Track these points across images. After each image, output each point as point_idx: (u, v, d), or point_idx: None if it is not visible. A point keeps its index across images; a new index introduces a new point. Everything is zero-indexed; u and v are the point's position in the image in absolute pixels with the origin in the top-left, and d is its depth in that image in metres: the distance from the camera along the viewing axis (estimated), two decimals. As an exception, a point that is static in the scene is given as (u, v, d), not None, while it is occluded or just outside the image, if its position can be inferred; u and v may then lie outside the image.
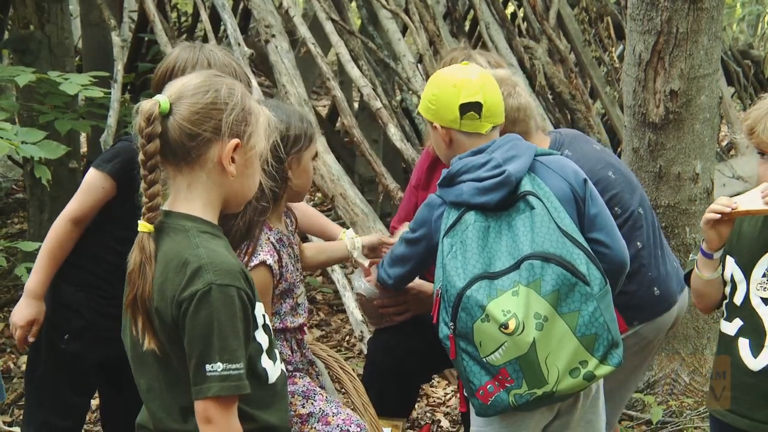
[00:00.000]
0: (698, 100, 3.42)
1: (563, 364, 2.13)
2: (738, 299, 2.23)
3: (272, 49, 4.54)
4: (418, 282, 2.70)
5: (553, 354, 2.13)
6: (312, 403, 2.38)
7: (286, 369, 2.34)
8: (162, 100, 1.79)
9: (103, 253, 2.59)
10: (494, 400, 2.15)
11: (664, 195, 3.49)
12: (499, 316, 2.12)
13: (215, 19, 5.49)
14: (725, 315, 2.28)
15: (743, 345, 2.21)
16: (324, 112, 7.78)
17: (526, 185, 2.27)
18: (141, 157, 1.79)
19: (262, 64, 5.44)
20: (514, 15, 7.36)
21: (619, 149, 6.05)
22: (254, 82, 4.40)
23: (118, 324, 2.51)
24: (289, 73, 4.43)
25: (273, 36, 4.58)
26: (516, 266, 2.17)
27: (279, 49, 4.53)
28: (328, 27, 4.95)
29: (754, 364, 2.19)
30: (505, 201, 2.25)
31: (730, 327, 2.25)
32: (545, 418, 2.29)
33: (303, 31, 4.83)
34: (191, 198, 1.84)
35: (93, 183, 2.56)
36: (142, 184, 1.80)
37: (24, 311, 2.57)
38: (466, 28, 7.46)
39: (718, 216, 2.18)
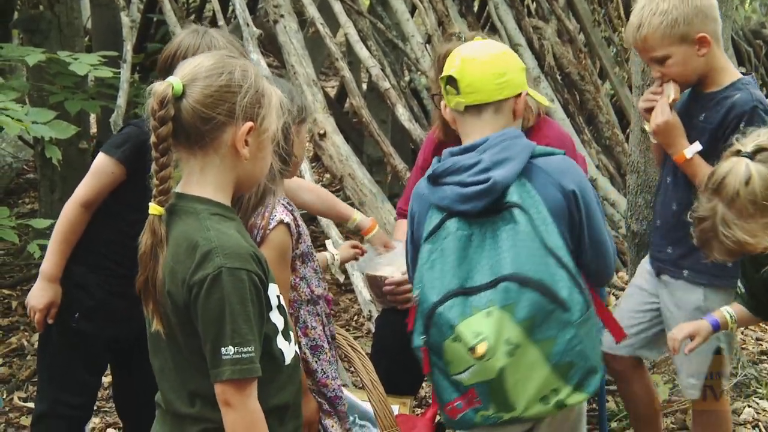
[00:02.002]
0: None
1: (533, 392, 2.09)
2: None
3: (281, 29, 4.53)
4: None
5: (523, 381, 2.09)
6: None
7: (319, 347, 2.39)
8: (175, 82, 1.76)
9: (114, 236, 2.61)
10: (462, 417, 2.15)
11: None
12: (469, 339, 2.08)
13: (224, 0, 5.48)
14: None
15: None
16: (332, 92, 7.77)
17: (512, 194, 2.16)
18: (153, 139, 1.77)
19: (270, 45, 5.42)
20: (523, -5, 7.32)
21: (627, 130, 6.03)
22: (263, 63, 4.41)
23: (129, 304, 2.54)
24: (298, 54, 4.43)
25: (282, 16, 4.57)
26: (493, 284, 2.11)
27: (288, 29, 4.53)
28: (337, 7, 4.93)
29: None
30: (490, 208, 2.17)
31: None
32: (520, 428, 2.27)
33: (311, 11, 4.82)
34: (204, 181, 1.83)
35: (102, 168, 2.59)
36: (153, 167, 1.78)
37: (41, 295, 2.61)
38: (475, 8, 7.42)
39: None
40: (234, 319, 1.72)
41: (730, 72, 2.60)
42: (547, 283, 2.10)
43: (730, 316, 2.32)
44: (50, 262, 2.60)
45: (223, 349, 1.72)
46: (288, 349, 1.90)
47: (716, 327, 2.32)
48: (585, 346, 2.12)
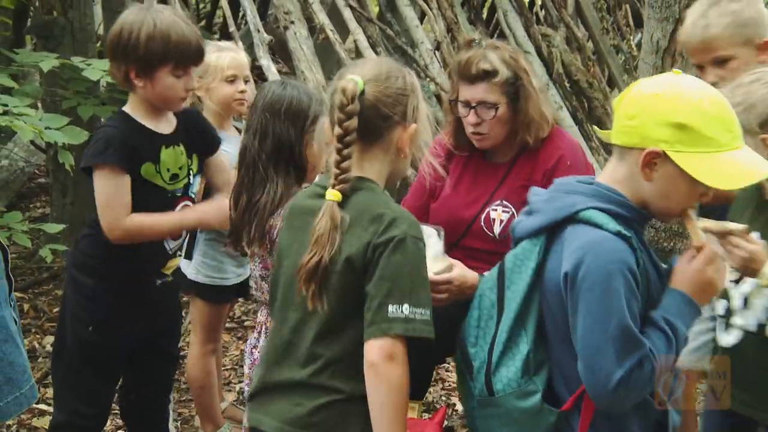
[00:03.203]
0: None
1: None
2: None
3: (291, 35, 4.56)
4: (461, 272, 2.44)
5: None
6: None
7: None
8: (359, 80, 1.88)
9: (120, 245, 2.53)
10: None
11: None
12: None
13: (235, 6, 5.51)
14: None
15: (720, 323, 2.29)
16: (342, 98, 7.79)
17: (508, 260, 1.96)
18: (339, 131, 1.87)
19: (281, 51, 5.45)
20: (531, 2, 7.34)
21: (635, 137, 6.03)
22: (273, 68, 4.43)
23: (139, 313, 2.57)
24: (308, 60, 4.45)
25: (292, 22, 4.59)
26: None
27: (298, 35, 4.55)
28: (347, 14, 4.96)
29: (724, 340, 2.26)
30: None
31: (719, 307, 2.30)
32: None
33: (321, 17, 4.85)
34: (372, 169, 1.94)
35: (106, 179, 2.45)
36: (335, 157, 1.88)
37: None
38: (484, 15, 7.44)
39: None
40: (413, 280, 1.82)
41: None
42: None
43: None
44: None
45: (391, 307, 1.80)
46: None
47: None
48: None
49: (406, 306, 1.80)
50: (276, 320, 2.03)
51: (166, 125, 2.56)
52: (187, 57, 2.43)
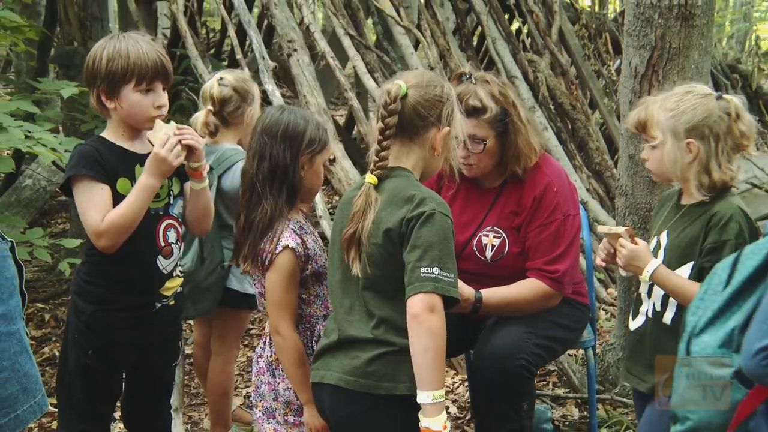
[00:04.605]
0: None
1: None
2: (623, 272, 2.44)
3: (294, 62, 4.56)
4: (460, 285, 2.41)
5: None
6: None
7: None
8: (403, 85, 2.08)
9: (108, 263, 2.41)
10: None
11: (658, 198, 3.48)
12: None
13: (242, 35, 5.52)
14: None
15: (632, 309, 2.46)
16: (342, 120, 7.81)
17: (748, 247, 1.89)
18: (381, 125, 2.08)
19: (284, 76, 5.47)
20: (518, 31, 7.36)
21: (616, 156, 6.04)
22: (277, 93, 4.44)
23: (137, 334, 2.46)
24: (310, 85, 4.45)
25: (295, 50, 4.60)
26: None
27: (300, 62, 4.55)
28: (346, 42, 4.97)
29: (632, 324, 2.42)
30: None
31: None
32: None
33: (322, 45, 4.86)
34: (408, 162, 2.13)
35: (83, 190, 2.35)
36: (376, 147, 2.09)
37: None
38: (474, 42, 7.46)
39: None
40: (441, 248, 1.99)
41: None
42: None
43: None
44: None
45: (423, 269, 1.96)
46: None
47: None
48: None
49: (436, 269, 1.97)
50: (333, 292, 2.18)
51: (143, 146, 2.45)
52: (146, 72, 2.34)
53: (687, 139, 2.24)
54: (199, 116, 3.13)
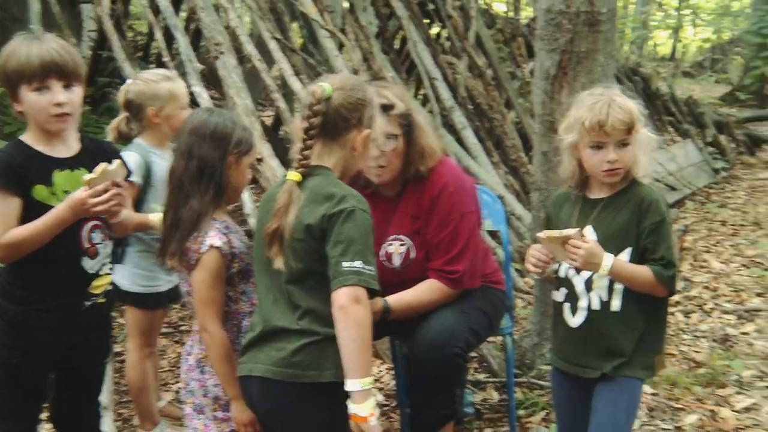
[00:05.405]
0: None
1: None
2: (561, 272, 2.41)
3: (221, 64, 4.48)
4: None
5: None
6: None
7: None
8: (327, 87, 2.09)
9: (29, 265, 2.29)
10: None
11: (569, 193, 3.57)
12: None
13: (169, 38, 5.39)
14: (556, 286, 2.45)
15: (566, 308, 2.40)
16: (269, 121, 7.72)
17: None
18: (305, 125, 2.09)
19: (212, 78, 5.35)
20: (438, 35, 7.43)
21: (530, 153, 6.16)
22: (205, 95, 4.35)
23: (66, 336, 2.35)
24: (237, 87, 4.38)
25: (222, 53, 4.52)
26: None
27: (227, 64, 4.48)
28: (272, 45, 4.92)
29: (573, 321, 2.39)
30: None
31: (558, 295, 2.44)
32: None
33: (249, 48, 4.79)
34: (330, 161, 2.14)
35: None
36: (299, 146, 2.10)
37: None
38: (396, 46, 7.49)
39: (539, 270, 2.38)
40: (363, 243, 2.00)
41: None
42: None
43: None
44: None
45: (350, 263, 1.97)
46: None
47: None
48: None
49: (358, 262, 1.98)
50: (258, 286, 2.19)
51: (64, 149, 2.33)
52: (35, 70, 2.20)
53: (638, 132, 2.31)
54: (114, 122, 3.09)
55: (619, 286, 2.31)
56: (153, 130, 3.04)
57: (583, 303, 2.36)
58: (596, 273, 2.27)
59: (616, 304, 2.32)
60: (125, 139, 3.08)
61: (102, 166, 2.21)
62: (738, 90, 14.67)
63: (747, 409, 3.41)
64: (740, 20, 17.09)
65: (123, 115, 3.07)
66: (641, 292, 2.29)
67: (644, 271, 2.25)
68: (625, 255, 2.29)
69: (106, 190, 2.21)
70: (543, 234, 2.28)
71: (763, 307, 4.70)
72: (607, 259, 2.22)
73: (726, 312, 4.68)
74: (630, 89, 8.16)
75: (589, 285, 2.35)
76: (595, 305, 2.34)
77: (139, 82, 3.05)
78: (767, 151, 10.30)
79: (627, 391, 2.32)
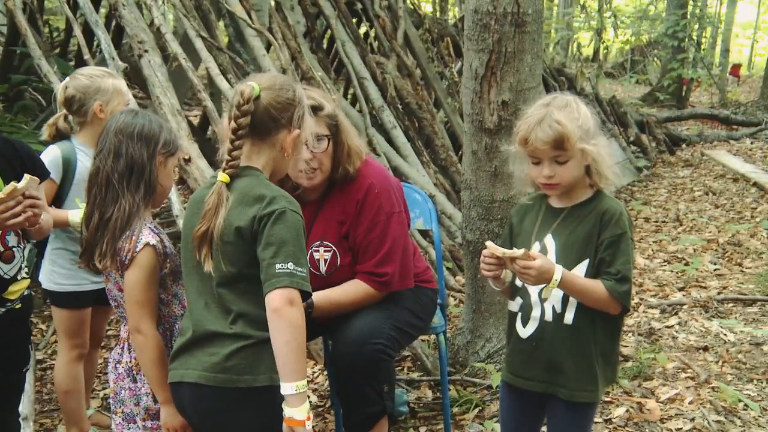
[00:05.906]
0: (525, 109, 3.55)
1: None
2: (518, 281, 2.33)
3: (145, 63, 4.38)
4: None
5: None
6: None
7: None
8: (256, 86, 2.07)
9: None
10: None
11: (499, 191, 3.63)
12: None
13: (89, 34, 5.23)
14: (511, 296, 2.40)
15: (518, 318, 2.36)
16: (196, 121, 7.58)
17: None
18: (234, 126, 2.05)
19: (136, 77, 5.22)
20: (366, 34, 7.43)
21: (460, 152, 6.24)
22: (129, 95, 4.24)
23: None
24: (162, 86, 4.29)
25: (146, 51, 4.41)
26: None
27: (152, 63, 4.37)
28: (198, 43, 4.83)
29: (523, 332, 2.33)
30: None
31: (514, 305, 2.39)
32: None
33: (174, 47, 4.69)
34: (258, 161, 2.12)
35: None
36: (228, 146, 2.06)
37: None
38: (325, 45, 7.46)
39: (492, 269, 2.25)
40: (294, 245, 1.98)
41: None
42: None
43: None
44: None
45: (278, 265, 1.95)
46: None
47: None
48: None
49: (290, 264, 1.96)
50: (187, 290, 2.15)
51: None
52: None
53: (585, 144, 2.22)
54: (51, 119, 3.01)
55: (577, 299, 2.25)
56: (92, 127, 2.97)
57: (536, 313, 2.31)
58: (546, 286, 2.20)
59: (569, 317, 2.26)
60: (61, 137, 3.00)
61: (11, 186, 2.17)
62: (657, 91, 15.21)
63: (671, 400, 3.53)
64: (657, 23, 17.72)
65: (61, 112, 3.00)
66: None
67: (596, 286, 2.19)
68: (582, 267, 2.24)
69: (18, 203, 2.16)
70: (490, 248, 2.20)
71: (685, 301, 4.89)
72: (558, 272, 2.17)
73: (651, 306, 4.84)
74: (555, 89, 8.37)
75: (542, 296, 2.30)
76: (548, 316, 2.29)
77: (81, 77, 2.98)
78: (686, 150, 10.73)
79: (580, 418, 2.30)
